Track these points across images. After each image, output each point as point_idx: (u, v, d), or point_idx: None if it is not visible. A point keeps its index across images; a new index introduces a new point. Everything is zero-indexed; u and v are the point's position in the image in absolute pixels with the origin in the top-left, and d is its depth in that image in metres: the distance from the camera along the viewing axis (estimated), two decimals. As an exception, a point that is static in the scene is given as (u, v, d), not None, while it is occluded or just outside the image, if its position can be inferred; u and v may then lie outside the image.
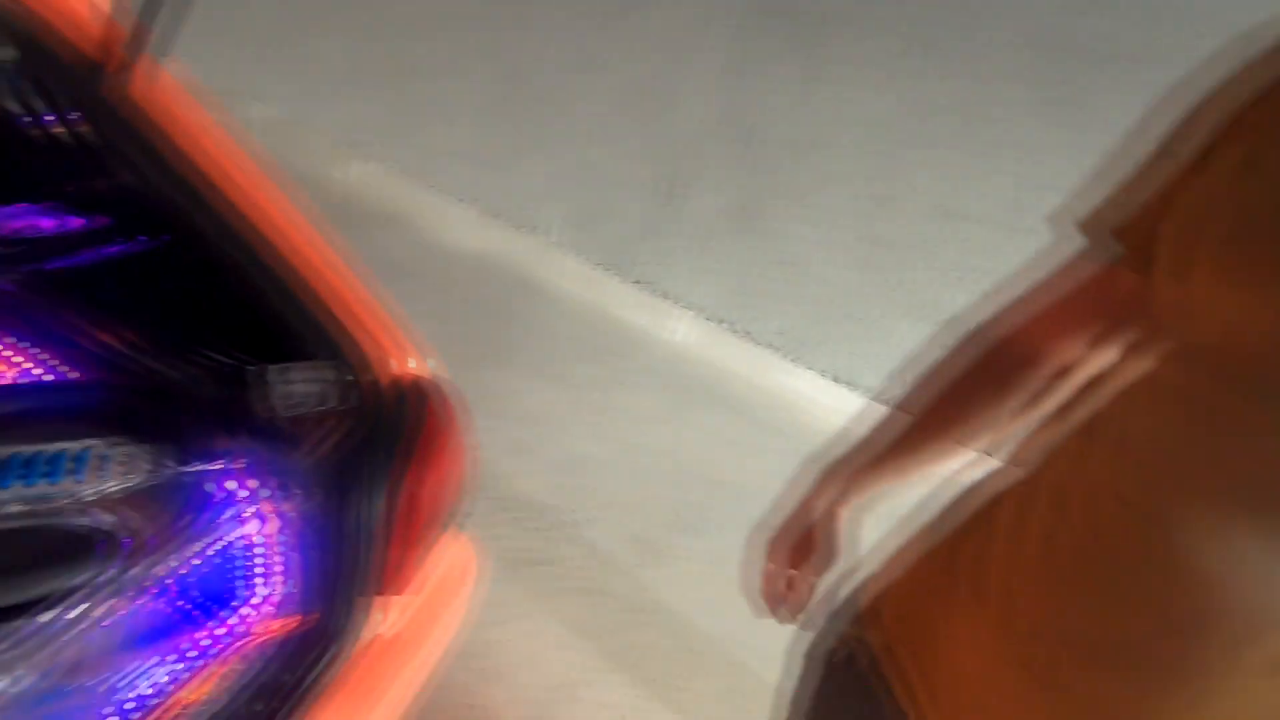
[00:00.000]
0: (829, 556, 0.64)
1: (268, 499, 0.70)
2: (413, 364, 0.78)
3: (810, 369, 2.51)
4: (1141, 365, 0.44)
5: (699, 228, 2.43)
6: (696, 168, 2.36)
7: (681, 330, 2.60)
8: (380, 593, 0.69)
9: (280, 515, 0.70)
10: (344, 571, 0.66)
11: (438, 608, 0.83)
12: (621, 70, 2.32)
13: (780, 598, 0.65)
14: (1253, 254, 0.38)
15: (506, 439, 1.90)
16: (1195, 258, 0.40)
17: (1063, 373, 0.52)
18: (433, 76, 2.59)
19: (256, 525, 0.71)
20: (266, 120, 2.83)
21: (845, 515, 0.64)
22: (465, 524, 1.67)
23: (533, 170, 2.59)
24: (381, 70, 2.65)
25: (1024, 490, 0.49)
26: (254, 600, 0.71)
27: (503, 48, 2.44)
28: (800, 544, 0.64)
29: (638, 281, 2.60)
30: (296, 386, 0.67)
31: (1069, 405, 0.51)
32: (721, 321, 2.55)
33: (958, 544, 0.53)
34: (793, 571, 0.65)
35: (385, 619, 0.71)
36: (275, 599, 0.71)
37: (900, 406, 0.62)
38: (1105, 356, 0.50)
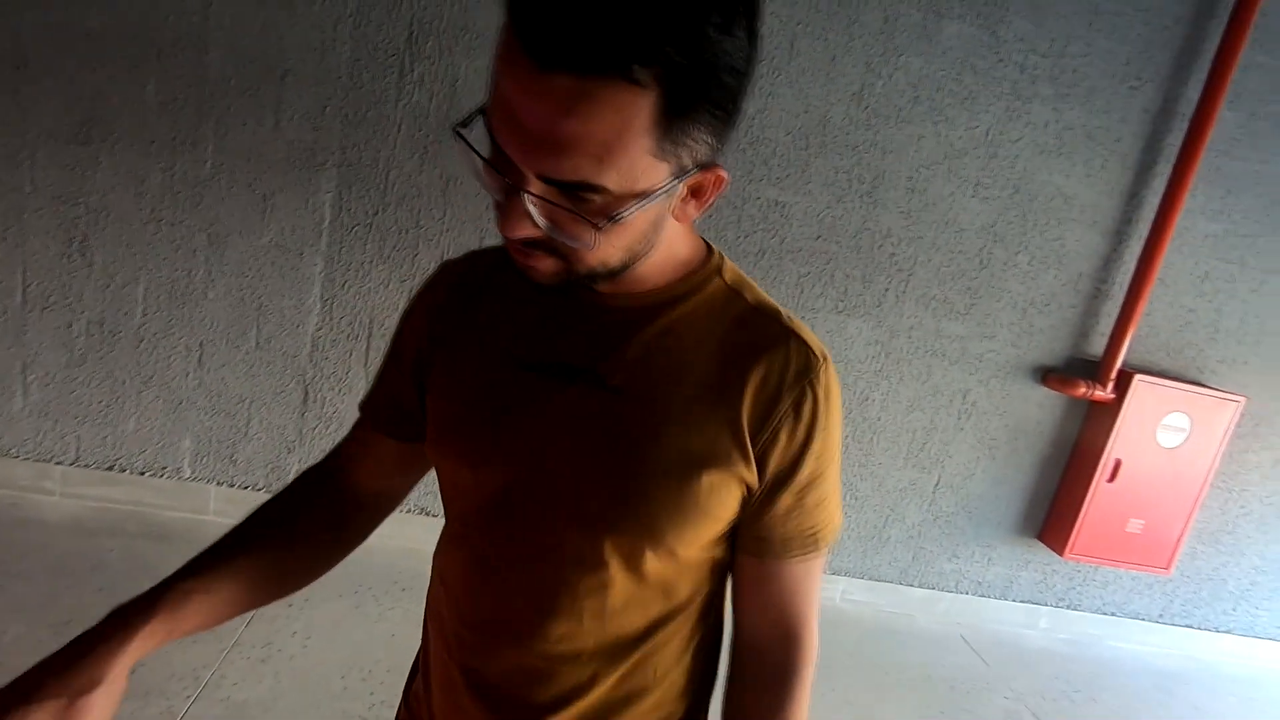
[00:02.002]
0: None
1: None
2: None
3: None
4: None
5: (343, 425, 2.48)
6: (326, 369, 2.44)
7: (355, 526, 2.56)
8: None
9: None
10: None
11: None
12: (226, 294, 2.36)
13: None
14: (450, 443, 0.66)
15: (155, 712, 1.67)
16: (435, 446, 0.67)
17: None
18: (-6, 340, 2.32)
19: None
20: None
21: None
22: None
23: (145, 411, 2.42)
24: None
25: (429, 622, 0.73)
26: None
27: (80, 296, 2.31)
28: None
29: (294, 492, 2.52)
30: None
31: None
32: (407, 510, 2.57)
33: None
34: None
35: None
36: None
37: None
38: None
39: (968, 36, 2.42)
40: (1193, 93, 2.54)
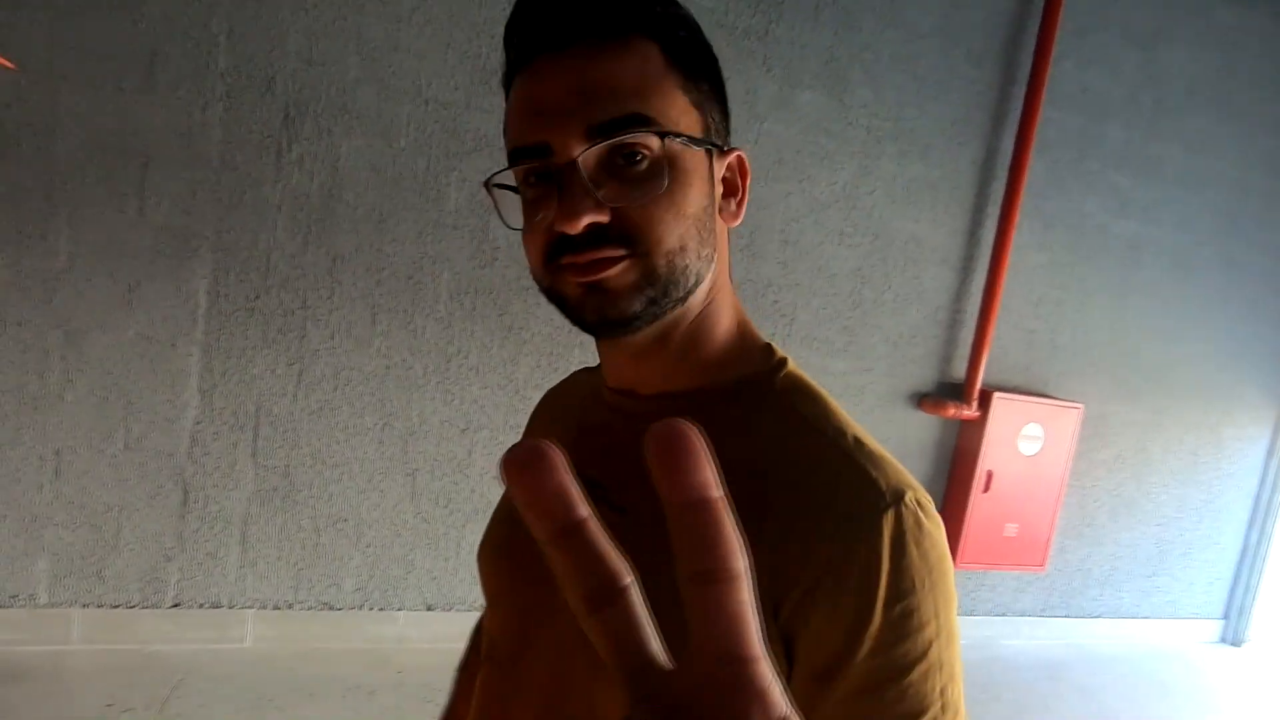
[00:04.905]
0: None
1: None
2: None
3: (401, 609, 2.52)
4: None
5: (231, 524, 2.30)
6: (208, 465, 2.27)
7: (250, 632, 2.36)
8: None
9: None
10: None
11: None
12: (88, 394, 2.16)
13: None
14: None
15: None
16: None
17: None
18: None
19: None
20: None
21: None
22: None
23: (-10, 534, 2.15)
24: None
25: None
26: None
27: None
28: None
29: (177, 605, 2.30)
30: None
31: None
32: (291, 606, 2.40)
33: None
34: None
35: None
36: None
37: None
38: None
39: (819, 104, 2.69)
40: (1008, 145, 2.93)
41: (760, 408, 0.50)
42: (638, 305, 0.47)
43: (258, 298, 2.24)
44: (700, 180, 0.48)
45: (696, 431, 0.19)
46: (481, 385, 2.48)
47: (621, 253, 0.46)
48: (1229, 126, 3.28)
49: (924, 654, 0.42)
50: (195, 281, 2.19)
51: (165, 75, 2.07)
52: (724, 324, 0.53)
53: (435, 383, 2.43)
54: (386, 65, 2.23)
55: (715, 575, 0.19)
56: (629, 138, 0.45)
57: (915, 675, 0.42)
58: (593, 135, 0.44)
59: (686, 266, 0.47)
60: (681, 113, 0.47)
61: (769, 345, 0.55)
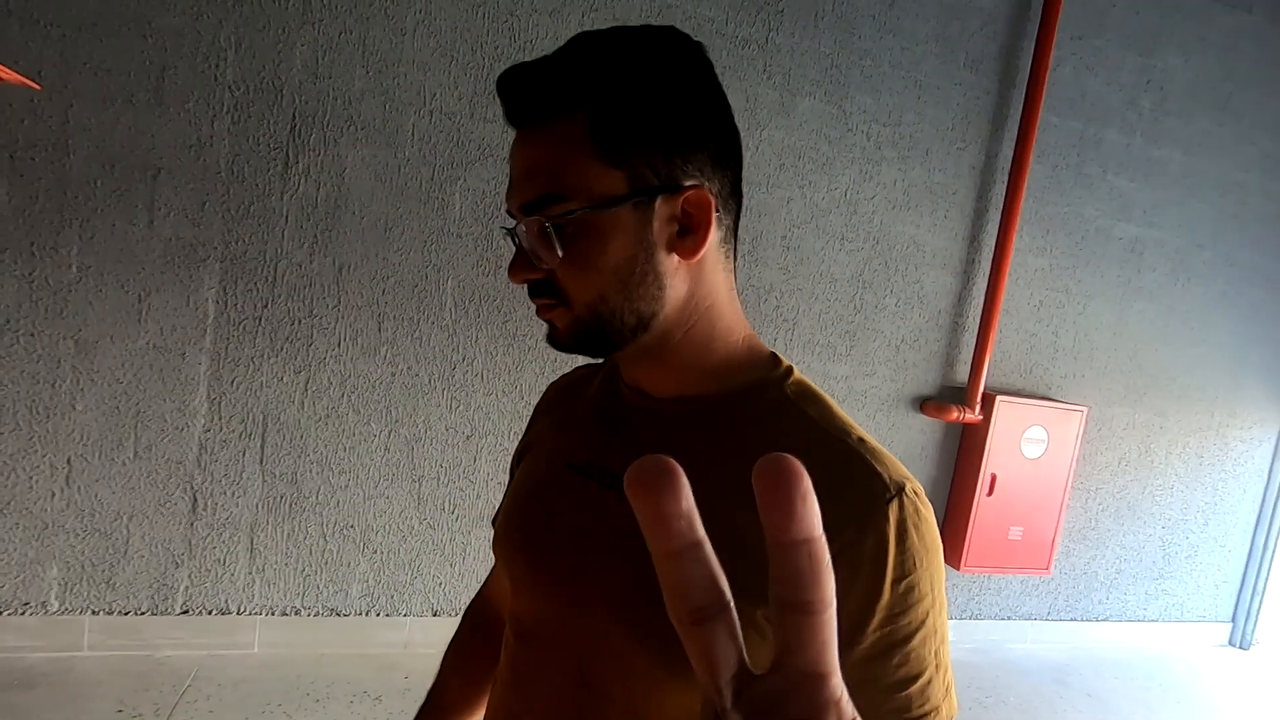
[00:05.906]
0: None
1: None
2: None
3: (407, 615, 2.54)
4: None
5: (239, 531, 2.32)
6: (216, 472, 2.30)
7: (258, 638, 2.38)
8: None
9: None
10: None
11: None
12: (98, 403, 2.18)
13: None
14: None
15: None
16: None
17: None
18: None
19: None
20: None
21: None
22: None
23: (0, 542, 2.17)
24: None
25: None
26: None
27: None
28: None
29: (186, 611, 2.33)
30: None
31: None
32: (298, 612, 2.42)
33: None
34: None
35: None
36: None
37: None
38: None
39: (819, 111, 2.71)
40: (1007, 150, 2.95)
41: (773, 410, 0.55)
42: (575, 342, 0.56)
43: (265, 307, 2.27)
44: (621, 235, 0.52)
45: (802, 468, 0.20)
46: (486, 392, 2.50)
47: (553, 301, 0.55)
48: (1228, 129, 3.29)
49: (922, 623, 0.49)
50: (204, 291, 2.22)
51: (174, 89, 2.11)
52: (722, 337, 0.58)
53: (441, 390, 2.46)
54: (391, 77, 2.27)
55: (815, 607, 0.22)
56: (535, 217, 0.53)
57: (916, 641, 0.49)
58: (524, 212, 0.53)
59: (612, 311, 0.54)
60: (596, 180, 0.51)
61: (775, 355, 0.60)
